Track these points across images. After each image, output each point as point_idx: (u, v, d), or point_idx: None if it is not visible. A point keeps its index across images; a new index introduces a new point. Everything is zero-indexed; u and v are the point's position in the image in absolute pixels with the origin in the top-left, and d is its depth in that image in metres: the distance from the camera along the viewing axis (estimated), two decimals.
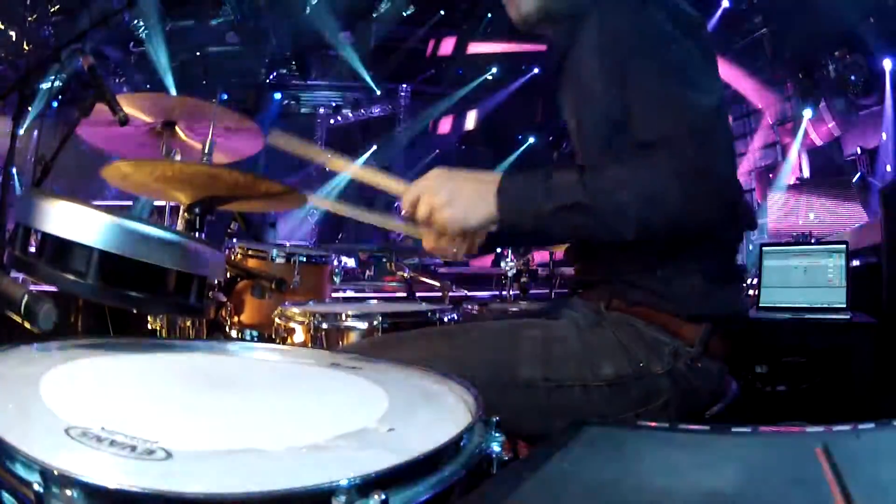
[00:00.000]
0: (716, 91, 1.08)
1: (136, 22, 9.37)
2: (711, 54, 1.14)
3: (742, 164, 9.54)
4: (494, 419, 0.67)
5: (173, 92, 9.72)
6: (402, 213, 1.13)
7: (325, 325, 1.75)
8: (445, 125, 12.20)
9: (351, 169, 1.32)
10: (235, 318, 2.50)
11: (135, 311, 2.24)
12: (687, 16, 1.10)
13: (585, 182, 0.99)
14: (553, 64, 1.32)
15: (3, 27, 8.54)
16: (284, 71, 11.61)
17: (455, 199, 1.05)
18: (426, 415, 0.75)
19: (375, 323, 1.73)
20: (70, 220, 0.88)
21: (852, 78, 7.72)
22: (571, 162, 1.32)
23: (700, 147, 0.98)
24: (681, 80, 1.03)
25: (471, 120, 12.08)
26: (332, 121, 12.78)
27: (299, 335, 1.80)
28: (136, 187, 1.80)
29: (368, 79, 11.76)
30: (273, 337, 1.93)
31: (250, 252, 2.63)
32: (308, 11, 9.76)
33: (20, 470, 0.47)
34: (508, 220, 1.05)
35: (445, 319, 1.83)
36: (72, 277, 0.90)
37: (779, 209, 6.73)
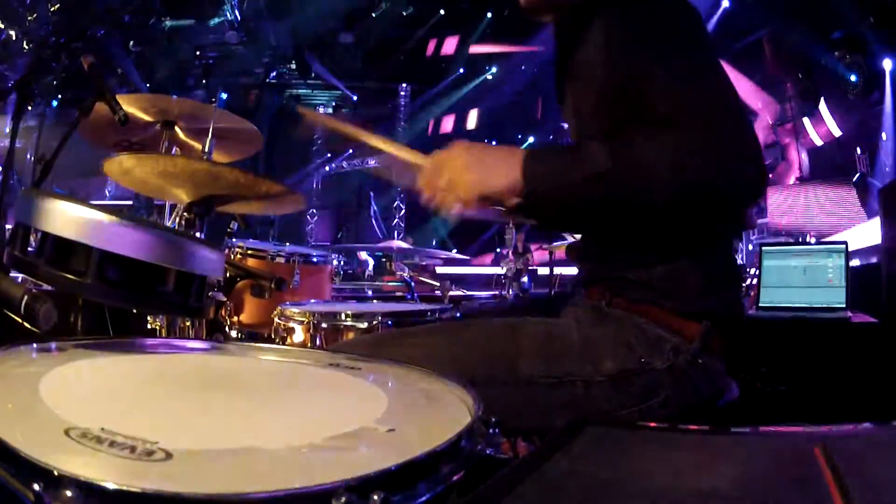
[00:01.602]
0: (721, 67, 1.08)
1: (136, 22, 9.37)
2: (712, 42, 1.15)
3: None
4: (494, 419, 0.67)
5: (173, 92, 9.73)
6: (423, 178, 1.10)
7: (324, 325, 1.75)
8: (447, 124, 12.20)
9: (373, 140, 1.29)
10: (235, 318, 2.50)
11: (135, 311, 2.24)
12: (691, 8, 1.12)
13: (614, 151, 0.98)
14: (557, 56, 1.31)
15: (2, 27, 8.54)
16: (284, 71, 11.63)
17: (478, 163, 1.04)
18: (426, 415, 0.75)
19: (375, 323, 1.73)
20: (70, 220, 0.88)
21: (852, 78, 7.73)
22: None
23: (725, 115, 0.98)
24: (699, 56, 1.04)
25: (472, 119, 12.08)
26: None
27: (299, 335, 1.80)
28: (136, 183, 1.80)
29: (368, 79, 11.77)
30: (273, 337, 1.93)
31: (250, 251, 2.63)
32: (308, 11, 9.76)
33: (20, 470, 0.47)
34: (534, 188, 1.02)
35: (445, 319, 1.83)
36: (71, 277, 0.90)
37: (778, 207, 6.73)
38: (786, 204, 6.68)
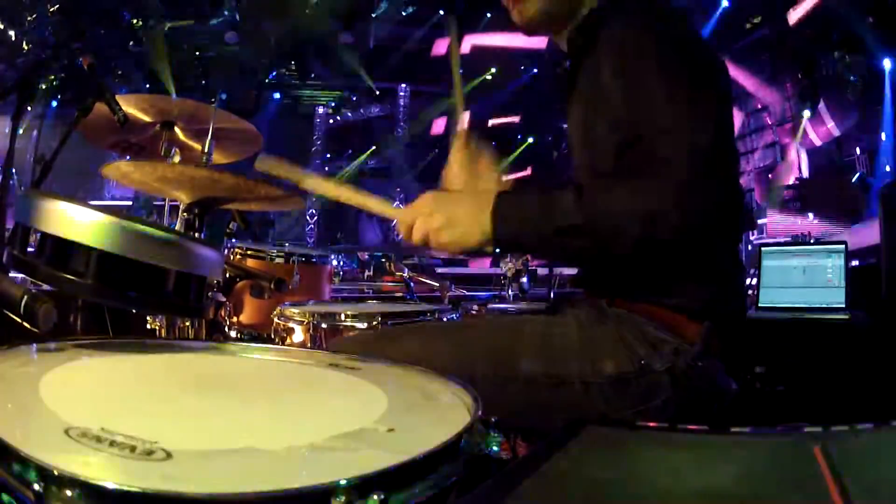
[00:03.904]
0: (723, 111, 1.08)
1: (135, 22, 9.37)
2: (724, 73, 1.14)
3: (741, 164, 9.54)
4: (493, 419, 0.68)
5: (173, 91, 9.73)
6: (399, 236, 1.14)
7: (324, 326, 1.75)
8: (439, 126, 12.21)
9: (341, 193, 1.24)
10: (234, 318, 2.50)
11: (134, 311, 2.24)
12: (697, 35, 1.13)
13: (583, 205, 0.99)
14: (560, 69, 1.31)
15: (2, 27, 8.54)
16: (284, 71, 11.63)
17: (451, 222, 1.06)
18: (425, 415, 0.75)
19: (374, 323, 1.73)
20: (69, 220, 0.88)
21: (852, 78, 7.73)
22: (569, 163, 1.31)
23: (700, 170, 0.98)
24: (689, 102, 1.03)
25: (464, 121, 12.06)
26: (331, 121, 12.81)
27: (298, 335, 1.80)
28: (136, 184, 1.80)
29: (368, 79, 11.77)
30: (272, 337, 1.93)
31: (249, 252, 2.62)
32: (308, 11, 9.76)
33: (20, 470, 0.47)
34: (505, 242, 1.07)
35: (444, 320, 1.84)
36: (71, 277, 0.90)
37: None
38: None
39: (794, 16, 7.81)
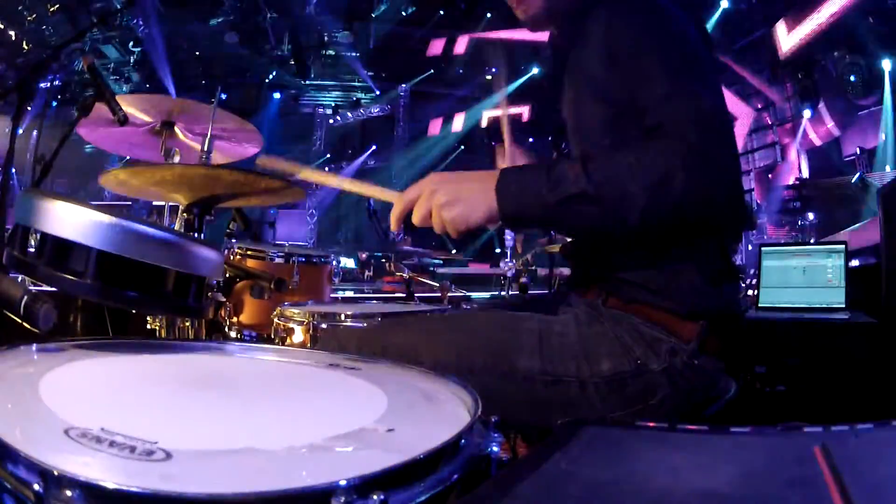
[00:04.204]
0: (716, 83, 1.10)
1: (135, 22, 9.38)
2: (710, 49, 1.16)
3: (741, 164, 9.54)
4: (493, 419, 0.68)
5: (172, 91, 9.73)
6: (395, 214, 1.12)
7: (324, 326, 1.75)
8: (435, 127, 12.23)
9: (340, 182, 1.30)
10: (234, 319, 2.50)
11: (134, 312, 2.24)
12: (690, 13, 1.13)
13: (589, 172, 0.99)
14: (555, 61, 1.32)
15: (2, 27, 8.54)
16: (284, 71, 11.64)
17: (456, 199, 1.05)
18: (425, 415, 0.75)
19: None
20: (69, 220, 0.88)
21: (852, 78, 7.73)
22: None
23: (702, 134, 0.98)
24: (685, 71, 1.05)
25: (458, 122, 12.09)
26: (331, 121, 12.80)
27: (298, 335, 1.80)
28: (135, 191, 1.80)
29: (368, 79, 11.78)
30: (272, 337, 1.93)
31: (249, 252, 2.62)
32: (308, 11, 9.76)
33: (20, 471, 0.47)
34: (511, 215, 1.05)
35: None
36: (71, 277, 0.90)
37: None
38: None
39: (786, 43, 7.81)
